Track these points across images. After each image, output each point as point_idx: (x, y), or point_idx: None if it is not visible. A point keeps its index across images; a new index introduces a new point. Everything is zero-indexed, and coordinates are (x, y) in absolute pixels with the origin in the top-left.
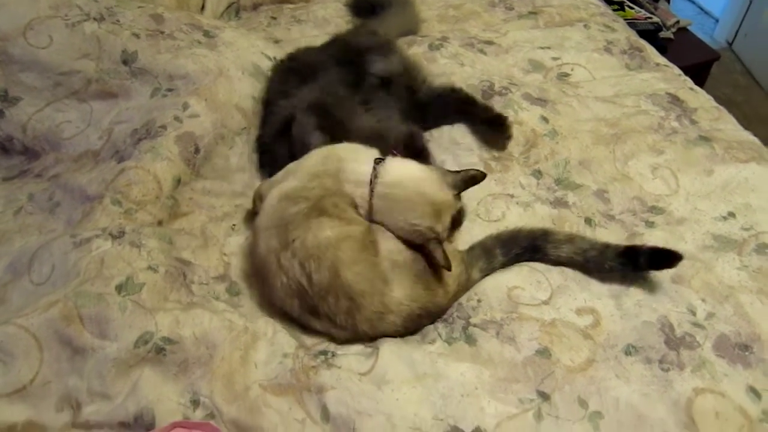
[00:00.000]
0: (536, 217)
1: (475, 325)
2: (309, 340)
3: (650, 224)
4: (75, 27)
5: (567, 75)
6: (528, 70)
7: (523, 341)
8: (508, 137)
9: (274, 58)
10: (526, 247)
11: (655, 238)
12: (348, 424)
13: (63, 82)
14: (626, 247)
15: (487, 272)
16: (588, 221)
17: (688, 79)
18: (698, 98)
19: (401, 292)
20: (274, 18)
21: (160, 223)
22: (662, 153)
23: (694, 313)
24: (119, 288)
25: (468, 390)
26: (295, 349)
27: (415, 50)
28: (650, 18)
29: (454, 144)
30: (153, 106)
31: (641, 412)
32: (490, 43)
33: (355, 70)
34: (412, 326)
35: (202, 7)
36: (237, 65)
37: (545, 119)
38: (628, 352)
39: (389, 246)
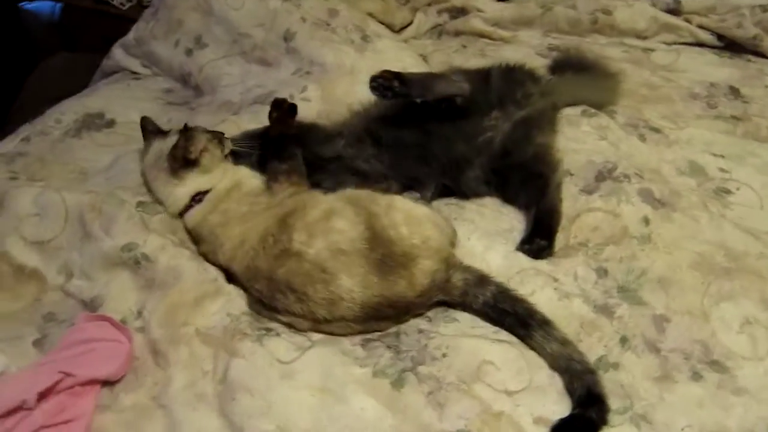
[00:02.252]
0: (566, 310)
1: (417, 373)
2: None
3: (697, 376)
4: (263, 0)
5: (727, 192)
6: (682, 171)
7: (451, 415)
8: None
9: None
10: (518, 316)
11: (688, 392)
12: (232, 393)
13: (239, 41)
14: (599, 395)
15: (467, 293)
16: (623, 341)
17: None
18: None
19: (350, 281)
20: (464, 47)
21: None
22: None
23: None
24: (140, 204)
25: (356, 425)
26: (241, 313)
27: (566, 111)
28: None
29: None
30: (286, 81)
31: None
32: (657, 131)
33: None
34: (374, 313)
35: (409, 24)
36: (370, 70)
37: (647, 221)
38: None
39: (333, 237)
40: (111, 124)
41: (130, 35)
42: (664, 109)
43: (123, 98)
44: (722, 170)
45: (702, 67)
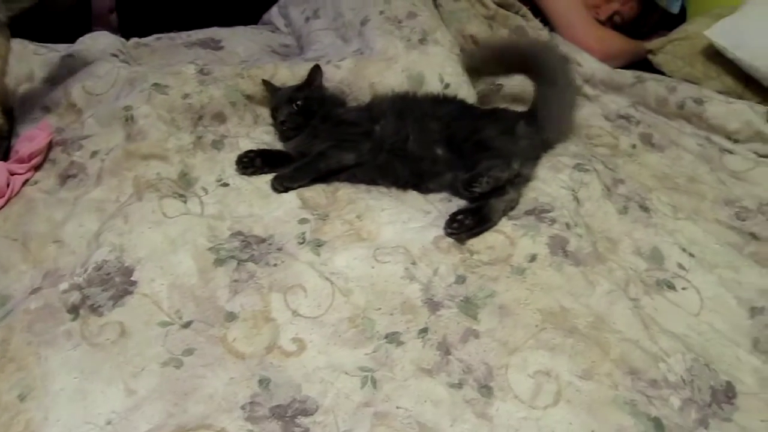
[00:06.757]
0: (398, 287)
1: (242, 264)
2: None
3: (456, 386)
4: None
5: (669, 287)
6: (640, 253)
7: (236, 301)
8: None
9: (447, 85)
10: None
11: (434, 390)
12: (117, 214)
13: (336, 18)
14: None
15: None
16: (423, 331)
17: None
18: None
19: None
20: None
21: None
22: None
23: None
24: (155, 84)
25: (169, 269)
26: (167, 178)
27: (563, 160)
28: None
29: None
30: (343, 54)
31: None
32: (646, 210)
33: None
34: None
35: None
36: (406, 64)
37: (533, 259)
38: None
39: None
40: (218, 48)
41: None
42: (682, 200)
43: (243, 37)
44: (681, 267)
45: None
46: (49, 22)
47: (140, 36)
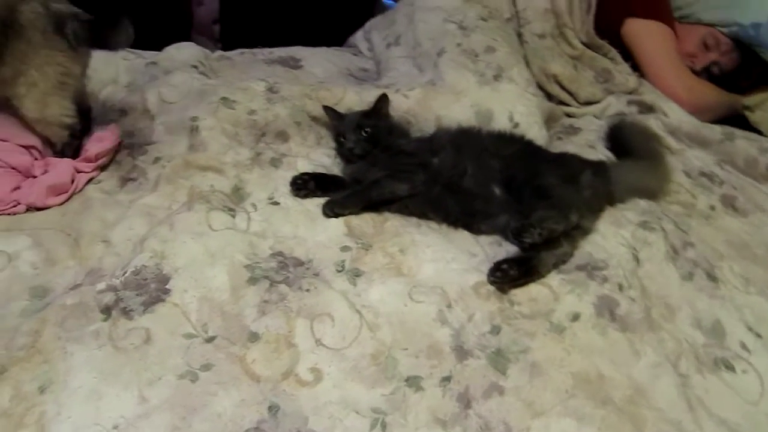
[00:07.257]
0: (429, 329)
1: (274, 286)
2: None
3: None
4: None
5: (728, 367)
6: (699, 325)
7: (262, 322)
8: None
9: (517, 124)
10: None
11: None
12: (165, 220)
13: (415, 47)
14: None
15: None
16: (446, 379)
17: None
18: None
19: None
20: None
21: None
22: None
23: None
24: (222, 98)
25: (201, 281)
26: (220, 191)
27: (628, 215)
28: None
29: None
30: (414, 83)
31: None
32: (714, 280)
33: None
34: None
35: (596, 102)
36: (476, 99)
37: (575, 318)
38: None
39: None
40: (296, 67)
41: (368, 23)
42: (758, 273)
43: (323, 58)
44: (744, 347)
45: None
46: (149, 28)
47: (240, 47)
